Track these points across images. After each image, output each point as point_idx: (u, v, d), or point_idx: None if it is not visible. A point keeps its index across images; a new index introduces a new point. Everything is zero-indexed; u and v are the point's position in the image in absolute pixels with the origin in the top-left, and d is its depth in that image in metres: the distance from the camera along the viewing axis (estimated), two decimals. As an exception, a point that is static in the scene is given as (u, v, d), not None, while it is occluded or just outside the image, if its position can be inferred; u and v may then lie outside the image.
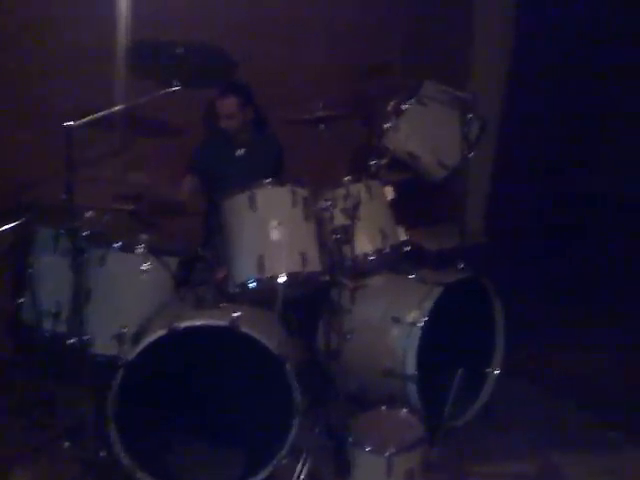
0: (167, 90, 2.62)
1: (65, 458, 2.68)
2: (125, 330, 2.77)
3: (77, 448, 2.70)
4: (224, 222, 2.77)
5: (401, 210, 3.12)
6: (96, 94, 3.34)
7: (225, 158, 3.53)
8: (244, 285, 2.69)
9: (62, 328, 2.99)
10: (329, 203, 2.77)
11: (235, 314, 2.56)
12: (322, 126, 2.84)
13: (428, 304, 2.84)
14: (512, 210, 4.71)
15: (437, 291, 2.88)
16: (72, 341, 2.86)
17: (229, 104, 3.42)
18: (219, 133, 3.55)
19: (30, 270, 3.17)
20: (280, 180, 2.80)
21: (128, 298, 2.96)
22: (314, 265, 2.71)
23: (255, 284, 2.67)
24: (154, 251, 2.95)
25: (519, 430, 2.99)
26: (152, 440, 2.62)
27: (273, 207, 2.73)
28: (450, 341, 2.96)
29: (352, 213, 2.74)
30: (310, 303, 3.01)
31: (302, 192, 2.77)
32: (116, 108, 2.63)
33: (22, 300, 3.18)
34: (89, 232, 3.07)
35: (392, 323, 2.89)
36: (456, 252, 3.84)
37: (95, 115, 2.55)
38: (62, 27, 3.46)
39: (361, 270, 2.94)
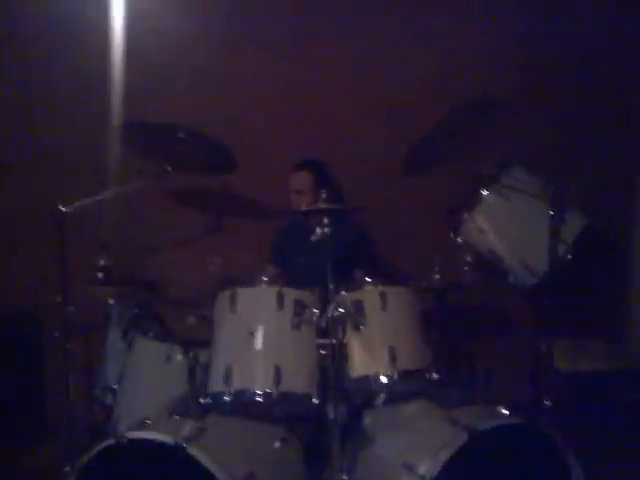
0: (160, 176, 2.47)
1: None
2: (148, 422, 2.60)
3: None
4: (213, 319, 2.47)
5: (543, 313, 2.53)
6: (90, 176, 3.38)
7: (299, 246, 3.24)
8: (213, 396, 2.33)
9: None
10: (315, 311, 2.29)
11: (189, 430, 2.22)
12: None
13: (445, 454, 2.16)
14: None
15: (459, 439, 2.18)
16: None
17: (299, 179, 3.23)
18: (296, 220, 3.30)
19: (106, 343, 3.27)
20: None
21: (150, 386, 2.84)
22: (291, 384, 2.25)
23: (226, 398, 2.29)
24: (183, 342, 2.77)
25: None
26: None
27: (254, 310, 2.36)
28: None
29: (344, 325, 2.23)
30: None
31: (294, 294, 2.34)
32: (110, 192, 2.54)
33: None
34: (136, 311, 3.09)
35: (404, 470, 2.26)
36: (598, 377, 3.04)
37: (87, 200, 2.49)
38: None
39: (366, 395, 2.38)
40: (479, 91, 3.46)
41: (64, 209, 2.54)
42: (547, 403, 2.53)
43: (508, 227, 2.76)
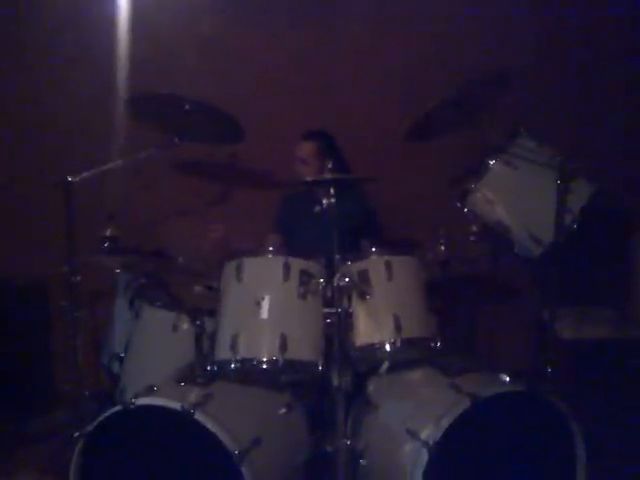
0: (167, 145, 2.48)
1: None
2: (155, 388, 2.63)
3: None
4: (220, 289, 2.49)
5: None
6: (97, 146, 3.42)
7: (303, 216, 3.25)
8: (220, 364, 2.36)
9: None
10: (321, 281, 2.31)
11: (195, 397, 2.26)
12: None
13: (446, 421, 2.19)
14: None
15: (461, 406, 2.20)
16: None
17: (304, 148, 3.26)
18: (301, 189, 3.31)
19: (113, 312, 3.31)
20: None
21: (157, 354, 2.89)
22: (297, 352, 2.27)
23: (232, 365, 2.32)
24: (190, 311, 2.79)
25: None
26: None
27: (260, 279, 2.37)
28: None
29: (349, 294, 2.25)
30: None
31: (300, 264, 2.36)
32: (117, 162, 2.55)
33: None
34: (144, 281, 3.11)
35: (407, 436, 2.29)
36: (601, 345, 3.05)
37: (95, 170, 2.50)
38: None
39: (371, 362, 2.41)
40: (492, 61, 3.52)
41: (72, 179, 2.54)
42: (549, 370, 2.55)
43: (515, 197, 2.75)
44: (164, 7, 3.62)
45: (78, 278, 2.68)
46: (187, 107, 2.45)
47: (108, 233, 3.10)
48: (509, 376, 2.33)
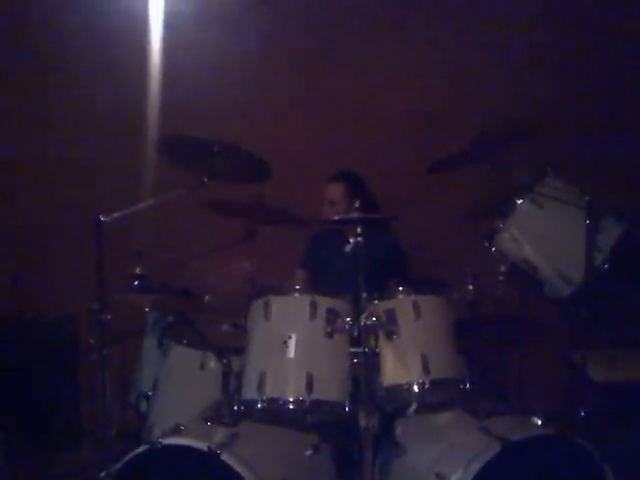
0: (196, 185, 2.52)
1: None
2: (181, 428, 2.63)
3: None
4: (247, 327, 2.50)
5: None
6: (127, 185, 3.51)
7: (331, 254, 3.26)
8: (246, 404, 2.35)
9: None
10: (348, 320, 2.30)
11: (222, 437, 2.25)
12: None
13: (476, 465, 2.14)
14: None
15: (492, 450, 2.16)
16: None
17: (333, 190, 3.26)
18: (330, 227, 3.32)
19: (141, 350, 3.33)
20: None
21: (185, 393, 2.90)
22: (324, 392, 2.26)
23: (259, 405, 2.31)
24: (218, 349, 2.80)
25: None
26: None
27: (287, 318, 2.38)
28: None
29: (376, 334, 2.24)
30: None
31: (326, 302, 2.36)
32: (147, 202, 2.59)
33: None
34: (172, 319, 3.13)
35: (435, 480, 2.25)
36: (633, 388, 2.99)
37: (127, 210, 2.54)
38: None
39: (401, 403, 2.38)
40: (510, 101, 3.55)
41: (103, 219, 2.57)
42: (581, 414, 2.50)
43: (543, 236, 2.74)
44: (195, 51, 3.73)
45: (108, 316, 2.69)
46: (216, 149, 2.49)
47: (137, 271, 3.13)
48: (540, 419, 2.29)
